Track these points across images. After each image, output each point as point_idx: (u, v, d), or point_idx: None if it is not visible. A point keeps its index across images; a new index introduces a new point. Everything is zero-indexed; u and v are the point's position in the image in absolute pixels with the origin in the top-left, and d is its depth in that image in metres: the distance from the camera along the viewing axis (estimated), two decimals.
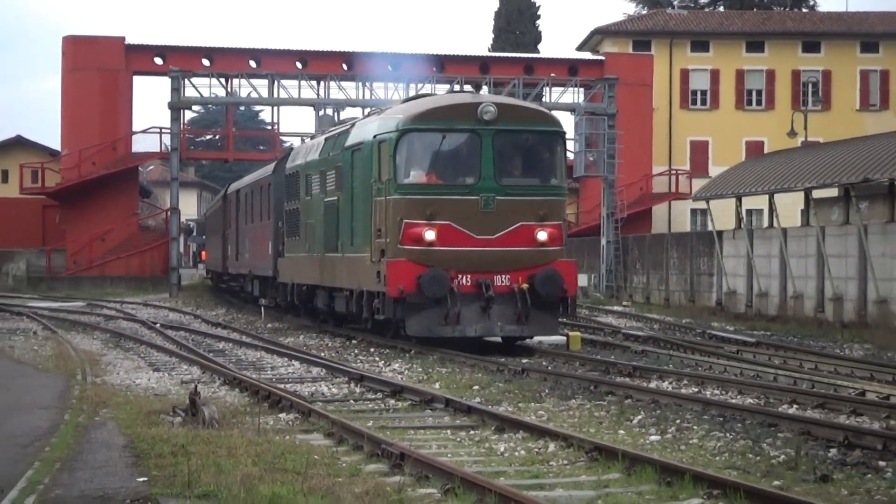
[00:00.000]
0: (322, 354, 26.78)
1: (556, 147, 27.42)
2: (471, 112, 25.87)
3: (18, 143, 77.45)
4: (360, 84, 62.42)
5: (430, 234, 25.24)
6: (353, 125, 30.69)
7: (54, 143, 72.96)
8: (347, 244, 29.14)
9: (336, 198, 30.22)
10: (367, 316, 27.95)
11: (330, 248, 30.74)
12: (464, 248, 25.55)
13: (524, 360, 24.70)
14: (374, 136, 26.78)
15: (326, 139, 32.68)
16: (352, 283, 28.80)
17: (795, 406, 17.42)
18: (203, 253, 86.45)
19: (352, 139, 29.04)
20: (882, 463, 12.69)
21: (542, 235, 25.92)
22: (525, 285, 25.24)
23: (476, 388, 20.51)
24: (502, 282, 25.36)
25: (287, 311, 39.45)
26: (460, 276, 25.08)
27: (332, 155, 30.95)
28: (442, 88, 58.79)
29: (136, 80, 70.13)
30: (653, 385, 20.28)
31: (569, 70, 69.05)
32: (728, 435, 14.85)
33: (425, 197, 25.77)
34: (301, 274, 35.08)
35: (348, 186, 29.04)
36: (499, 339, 27.73)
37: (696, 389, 19.66)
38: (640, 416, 16.61)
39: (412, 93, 57.80)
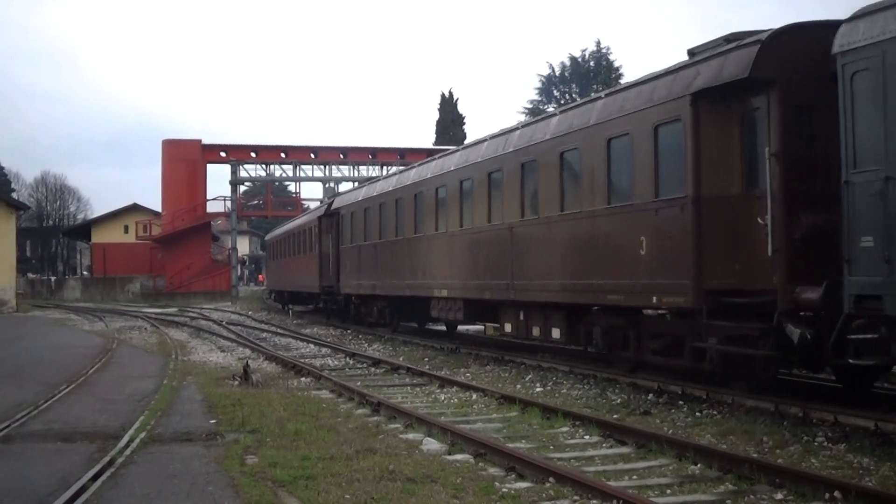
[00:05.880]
0: (328, 340, 26.60)
1: None
2: None
3: (134, 208, 77.19)
4: (351, 166, 64.06)
5: None
6: None
7: (157, 206, 72.91)
8: None
9: None
10: None
11: None
12: None
13: (457, 342, 24.14)
14: None
15: None
16: None
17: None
18: (260, 276, 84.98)
19: None
20: (681, 402, 12.74)
21: None
22: None
23: (426, 359, 20.41)
24: None
25: None
26: None
27: None
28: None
29: (209, 166, 69.42)
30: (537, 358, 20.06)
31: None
32: (585, 387, 14.86)
33: None
34: None
35: None
36: (442, 327, 23.98)
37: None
38: (530, 376, 16.59)
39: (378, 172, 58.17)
